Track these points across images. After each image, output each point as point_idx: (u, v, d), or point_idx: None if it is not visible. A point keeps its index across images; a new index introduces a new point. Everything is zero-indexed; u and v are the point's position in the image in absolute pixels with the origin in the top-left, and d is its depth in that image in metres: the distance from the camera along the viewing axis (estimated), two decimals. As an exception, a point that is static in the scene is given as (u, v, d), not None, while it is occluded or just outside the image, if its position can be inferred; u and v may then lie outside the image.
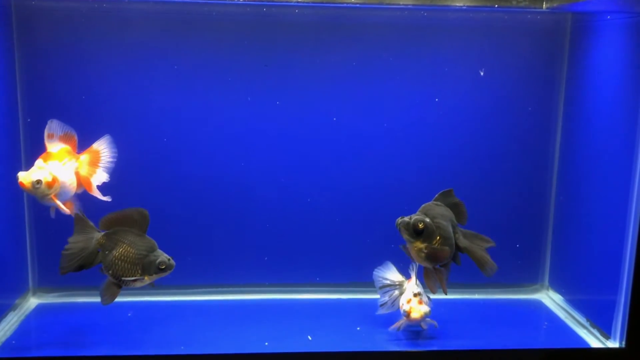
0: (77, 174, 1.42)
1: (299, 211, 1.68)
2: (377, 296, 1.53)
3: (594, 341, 1.49)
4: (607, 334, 1.47)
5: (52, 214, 1.40)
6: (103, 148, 1.46)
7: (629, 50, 1.41)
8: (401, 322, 1.45)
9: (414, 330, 1.48)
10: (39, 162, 1.35)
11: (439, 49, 1.63)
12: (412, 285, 1.46)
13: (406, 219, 1.34)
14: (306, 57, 1.61)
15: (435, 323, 1.47)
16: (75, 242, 1.32)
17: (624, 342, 1.42)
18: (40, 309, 1.61)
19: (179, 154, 1.63)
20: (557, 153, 1.71)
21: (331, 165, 1.67)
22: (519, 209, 1.72)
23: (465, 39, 1.63)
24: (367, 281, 1.71)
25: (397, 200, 1.65)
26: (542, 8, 1.55)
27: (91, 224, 1.34)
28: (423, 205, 1.40)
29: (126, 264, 1.29)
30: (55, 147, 1.40)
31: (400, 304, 1.45)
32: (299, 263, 1.71)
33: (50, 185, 1.33)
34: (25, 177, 1.32)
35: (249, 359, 1.37)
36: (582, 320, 1.57)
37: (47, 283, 1.66)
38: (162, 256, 1.31)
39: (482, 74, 1.64)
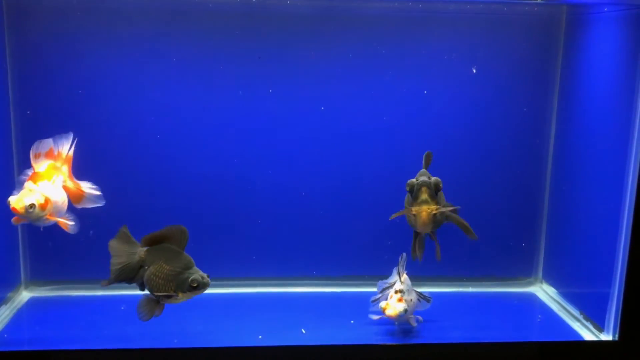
0: (65, 187, 1.38)
1: (293, 205, 1.68)
2: (371, 289, 1.53)
3: (588, 334, 1.49)
4: (600, 326, 1.47)
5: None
6: (67, 149, 1.39)
7: (624, 43, 1.41)
8: (381, 317, 1.43)
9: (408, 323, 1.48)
10: (29, 184, 1.31)
11: (434, 41, 1.62)
12: (397, 282, 1.44)
13: (424, 179, 1.33)
14: (298, 50, 1.60)
15: (420, 318, 1.46)
16: (119, 257, 1.31)
17: (617, 335, 1.42)
18: (32, 303, 1.60)
19: (171, 149, 1.62)
20: (551, 147, 1.70)
21: (326, 159, 1.66)
22: (512, 202, 1.72)
23: (460, 32, 1.62)
24: (361, 274, 1.72)
25: (392, 194, 1.64)
26: (537, 0, 1.55)
27: (134, 239, 1.32)
28: (421, 171, 1.40)
29: (160, 280, 1.27)
30: (42, 165, 1.34)
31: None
32: (293, 256, 1.71)
33: (43, 207, 1.30)
34: (17, 202, 1.28)
35: (243, 352, 1.37)
36: (576, 313, 1.58)
37: (39, 276, 1.65)
38: (196, 274, 1.27)
39: (474, 71, 1.63)
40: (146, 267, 1.29)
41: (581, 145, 1.58)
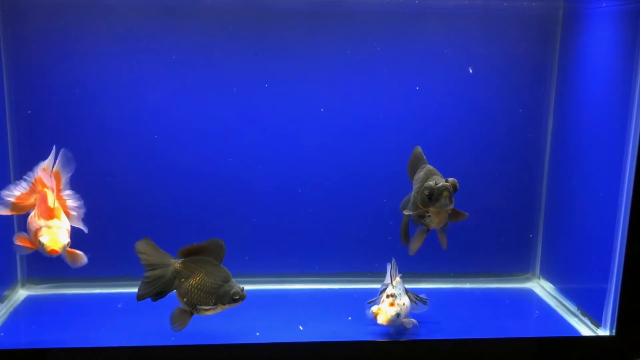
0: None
1: (290, 202, 1.67)
2: (368, 286, 1.53)
3: (585, 329, 1.50)
4: (597, 322, 1.47)
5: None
6: (59, 166, 1.34)
7: (621, 39, 1.40)
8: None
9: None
10: (54, 222, 1.28)
11: (429, 38, 1.62)
12: (389, 286, 1.42)
13: (444, 183, 1.32)
14: (295, 47, 1.60)
15: (414, 321, 1.43)
16: (153, 270, 1.30)
17: (614, 330, 1.42)
18: (29, 301, 1.60)
19: (166, 147, 1.61)
20: (548, 143, 1.70)
21: (322, 157, 1.66)
22: (509, 198, 1.72)
23: (456, 28, 1.62)
24: (357, 271, 1.72)
25: (388, 192, 1.65)
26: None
27: (161, 250, 1.32)
28: (428, 168, 1.39)
29: (202, 293, 1.29)
30: (51, 198, 1.31)
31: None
32: (291, 253, 1.71)
33: (69, 242, 1.30)
34: (55, 243, 1.26)
35: (240, 350, 1.37)
36: (573, 308, 1.58)
37: (36, 275, 1.65)
38: (236, 287, 1.30)
39: (470, 71, 1.63)
40: (182, 280, 1.29)
41: (578, 141, 1.58)
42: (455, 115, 1.66)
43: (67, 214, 1.35)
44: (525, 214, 1.74)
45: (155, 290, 1.30)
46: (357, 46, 1.60)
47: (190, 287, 1.29)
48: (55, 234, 1.27)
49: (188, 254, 1.31)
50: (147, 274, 1.30)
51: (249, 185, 1.66)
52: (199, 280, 1.29)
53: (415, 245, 1.42)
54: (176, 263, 1.31)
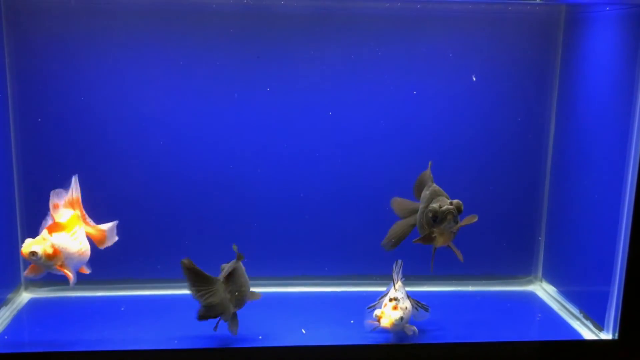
0: (90, 235, 1.40)
1: (293, 205, 1.68)
2: (370, 289, 1.52)
3: (587, 333, 1.50)
4: (600, 325, 1.47)
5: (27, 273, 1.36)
6: (74, 192, 1.38)
7: (623, 42, 1.40)
8: (376, 326, 1.39)
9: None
10: (44, 233, 1.30)
11: (433, 42, 1.62)
12: (391, 290, 1.42)
13: (448, 206, 1.32)
14: (298, 50, 1.60)
15: (415, 329, 1.42)
16: (208, 296, 1.33)
17: (617, 334, 1.42)
18: (32, 304, 1.60)
19: (169, 152, 1.62)
20: (550, 146, 1.70)
21: (325, 160, 1.66)
22: (512, 201, 1.72)
23: (459, 32, 1.62)
24: (360, 274, 1.72)
25: (391, 194, 1.64)
26: (536, 0, 1.55)
27: (205, 274, 1.34)
28: (434, 188, 1.40)
29: (246, 298, 1.42)
30: (63, 216, 1.34)
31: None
32: (293, 256, 1.71)
33: (50, 257, 1.29)
34: (24, 247, 1.28)
35: (242, 353, 1.37)
36: (576, 312, 1.58)
37: (39, 277, 1.65)
38: None
39: (474, 79, 1.63)
40: (236, 293, 1.37)
41: (580, 144, 1.58)
42: (457, 119, 1.66)
43: (101, 236, 1.42)
44: (527, 217, 1.74)
45: (214, 313, 1.34)
46: (359, 50, 1.61)
47: (245, 290, 1.40)
48: (34, 241, 1.30)
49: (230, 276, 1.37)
50: (203, 301, 1.33)
51: (253, 188, 1.66)
52: (243, 282, 1.39)
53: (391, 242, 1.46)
54: (222, 284, 1.36)
